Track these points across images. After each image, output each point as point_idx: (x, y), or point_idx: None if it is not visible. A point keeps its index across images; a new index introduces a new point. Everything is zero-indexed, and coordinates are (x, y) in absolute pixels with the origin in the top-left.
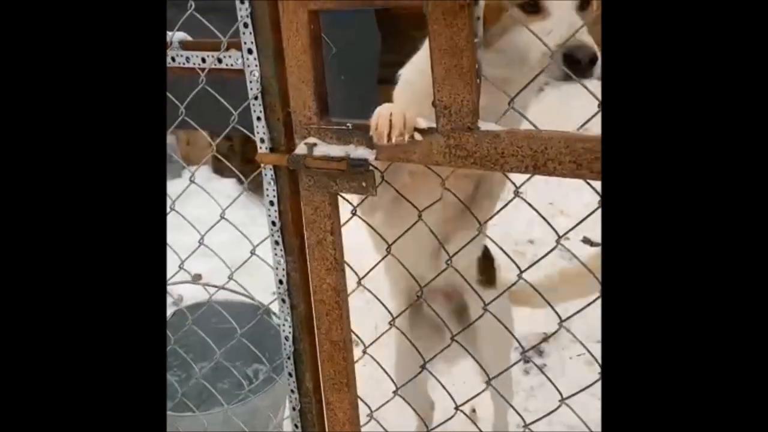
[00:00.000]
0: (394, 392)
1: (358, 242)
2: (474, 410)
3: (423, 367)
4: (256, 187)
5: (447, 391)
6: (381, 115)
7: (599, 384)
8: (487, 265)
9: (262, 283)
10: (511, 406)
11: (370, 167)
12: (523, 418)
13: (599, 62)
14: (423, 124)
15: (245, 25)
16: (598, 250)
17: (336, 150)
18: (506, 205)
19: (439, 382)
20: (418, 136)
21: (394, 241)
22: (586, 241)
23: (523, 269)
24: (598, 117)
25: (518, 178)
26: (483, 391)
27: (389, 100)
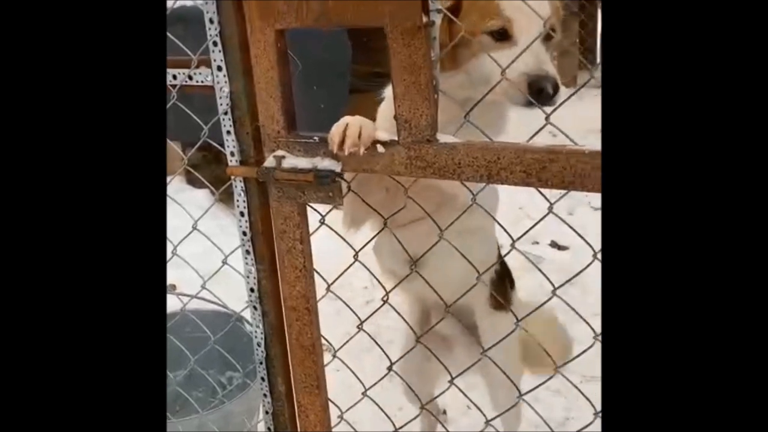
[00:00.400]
0: (363, 394)
1: (328, 249)
2: (444, 411)
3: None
4: (227, 198)
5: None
6: (337, 125)
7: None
8: (500, 286)
9: (234, 291)
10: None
11: (337, 179)
12: (485, 415)
13: (560, 91)
14: (385, 137)
15: (215, 44)
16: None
17: (303, 162)
18: (464, 212)
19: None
20: (380, 149)
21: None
22: (554, 245)
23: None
24: (545, 130)
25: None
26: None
27: (361, 108)
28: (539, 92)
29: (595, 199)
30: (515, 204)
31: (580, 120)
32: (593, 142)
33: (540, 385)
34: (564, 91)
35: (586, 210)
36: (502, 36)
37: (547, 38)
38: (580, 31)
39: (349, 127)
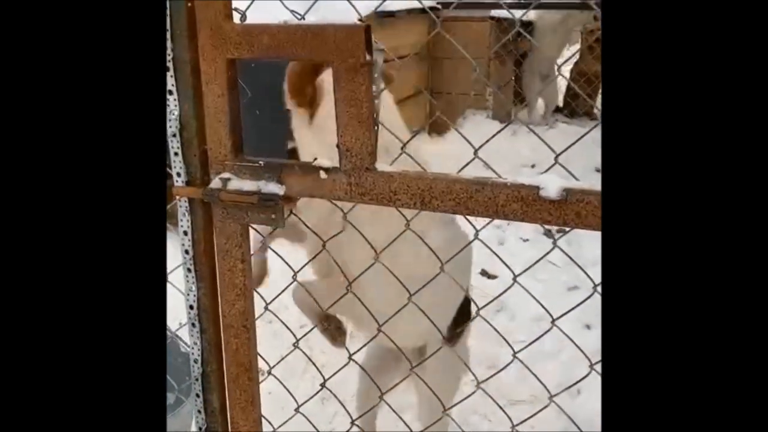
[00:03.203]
0: (296, 410)
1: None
2: None
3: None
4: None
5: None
6: None
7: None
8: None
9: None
10: None
11: (280, 202)
12: None
13: None
14: (328, 163)
15: (167, 69)
16: None
17: (248, 185)
18: (397, 237)
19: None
20: (323, 175)
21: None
22: (484, 273)
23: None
24: (473, 163)
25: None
26: None
27: None
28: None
29: (524, 231)
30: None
31: (515, 154)
32: (526, 175)
33: (459, 402)
34: (499, 127)
35: (515, 241)
36: None
37: None
38: (515, 69)
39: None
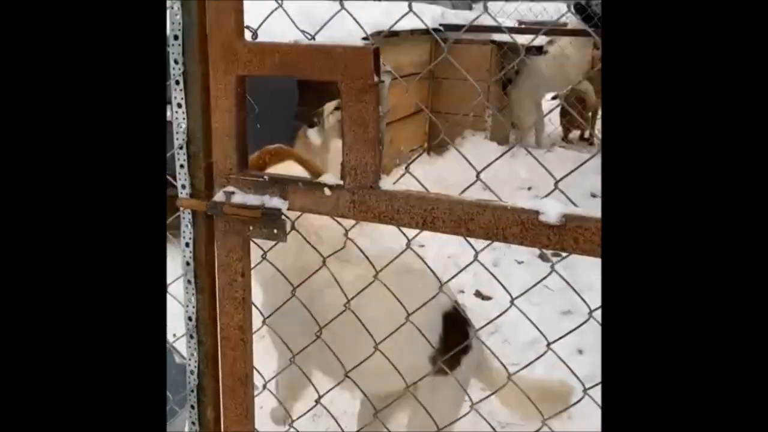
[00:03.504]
0: (290, 425)
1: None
2: None
3: None
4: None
5: None
6: None
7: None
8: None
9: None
10: None
11: (282, 216)
12: None
13: None
14: (332, 181)
15: (177, 83)
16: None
17: (252, 199)
18: (400, 254)
19: None
20: (327, 192)
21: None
22: (478, 294)
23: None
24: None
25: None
26: None
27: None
28: None
29: (519, 253)
30: (445, 253)
31: (512, 176)
32: (523, 197)
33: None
34: (497, 148)
35: (510, 262)
36: None
37: None
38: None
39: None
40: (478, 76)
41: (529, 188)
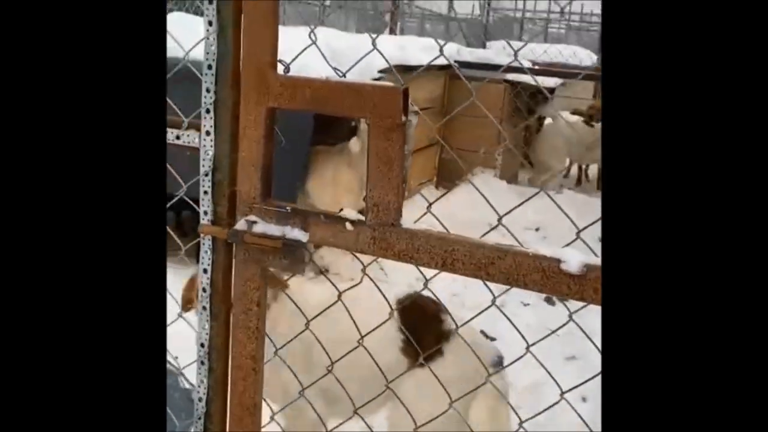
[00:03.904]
0: None
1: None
2: None
3: None
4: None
5: None
6: None
7: None
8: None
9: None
10: None
11: (302, 248)
12: None
13: None
14: (354, 216)
15: (207, 111)
16: None
17: (273, 229)
18: (415, 293)
19: None
20: (349, 227)
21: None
22: (484, 334)
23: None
24: (478, 220)
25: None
26: None
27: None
28: None
29: (525, 295)
30: (450, 291)
31: (521, 216)
32: (531, 239)
33: None
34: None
35: (517, 305)
36: None
37: None
38: (525, 132)
39: None
40: (490, 113)
41: (537, 229)
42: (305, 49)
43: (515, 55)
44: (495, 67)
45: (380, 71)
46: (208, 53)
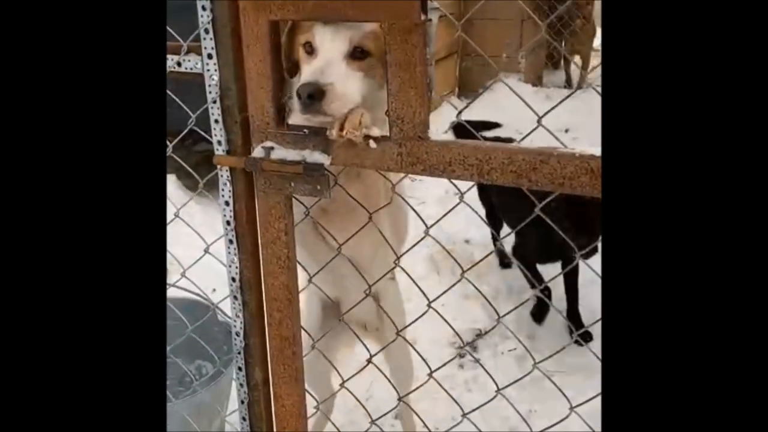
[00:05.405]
0: (341, 385)
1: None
2: None
3: None
4: (194, 186)
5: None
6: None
7: (529, 377)
8: None
9: (209, 281)
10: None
11: (325, 171)
12: (461, 407)
13: (326, 97)
14: (377, 132)
15: (206, 31)
16: None
17: (292, 154)
18: (452, 209)
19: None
20: (372, 144)
21: None
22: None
23: (464, 269)
24: (537, 132)
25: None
26: None
27: None
28: (299, 98)
29: None
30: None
31: (550, 118)
32: (564, 139)
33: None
34: (532, 90)
35: None
36: (311, 48)
37: (354, 55)
38: (548, 34)
39: (352, 112)
40: (509, 14)
41: (566, 130)
42: None
43: None
44: None
45: None
46: None
